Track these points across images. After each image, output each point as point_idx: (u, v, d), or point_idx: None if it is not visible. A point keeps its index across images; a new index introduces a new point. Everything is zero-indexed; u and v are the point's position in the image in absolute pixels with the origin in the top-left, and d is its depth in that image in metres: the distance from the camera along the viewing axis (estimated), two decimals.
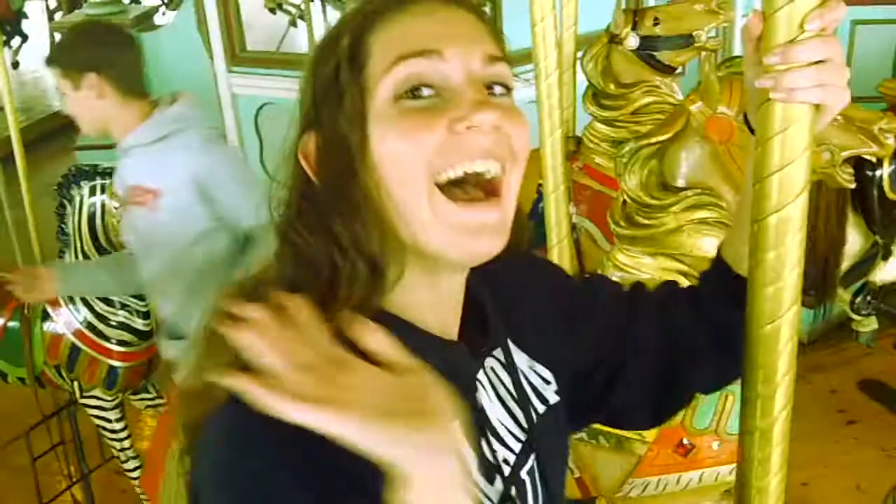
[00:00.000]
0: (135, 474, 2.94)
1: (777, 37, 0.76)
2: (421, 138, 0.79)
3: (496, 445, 0.89)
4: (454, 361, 0.87)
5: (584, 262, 2.54)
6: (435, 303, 0.87)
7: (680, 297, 1.09)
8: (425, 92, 0.80)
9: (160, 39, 6.44)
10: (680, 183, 1.89)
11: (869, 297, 2.27)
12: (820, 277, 2.18)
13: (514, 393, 0.94)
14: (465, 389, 0.86)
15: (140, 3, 8.31)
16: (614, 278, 1.90)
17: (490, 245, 0.81)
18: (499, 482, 0.88)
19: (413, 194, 0.80)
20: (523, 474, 0.92)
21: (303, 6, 7.31)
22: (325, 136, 0.83)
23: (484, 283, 0.95)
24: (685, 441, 1.92)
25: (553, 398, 0.99)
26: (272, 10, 7.77)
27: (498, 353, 0.94)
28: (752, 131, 0.93)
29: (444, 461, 0.65)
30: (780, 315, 0.80)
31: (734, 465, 1.90)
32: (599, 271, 2.08)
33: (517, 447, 0.92)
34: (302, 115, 0.86)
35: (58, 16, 9.16)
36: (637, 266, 1.88)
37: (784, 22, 0.76)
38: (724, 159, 1.90)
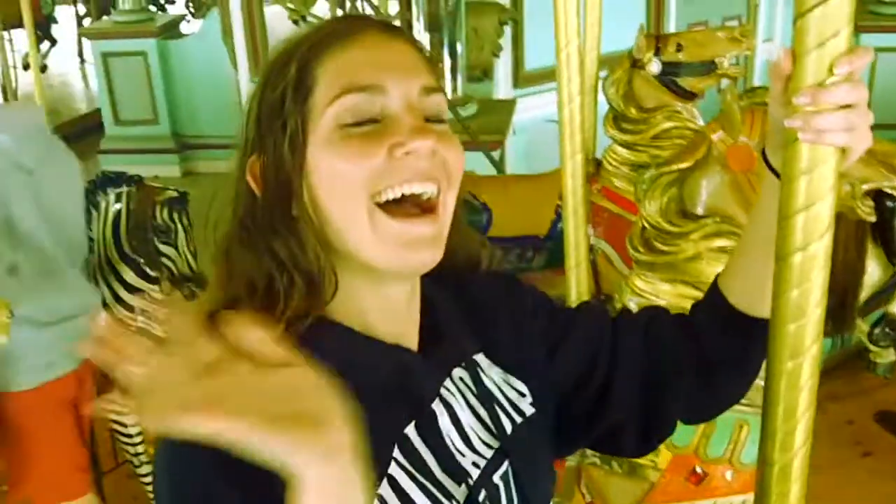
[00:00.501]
0: (148, 479, 2.96)
1: (806, 78, 0.78)
2: (362, 162, 0.85)
3: (464, 450, 0.93)
4: (404, 367, 0.92)
5: (601, 283, 2.55)
6: (383, 311, 0.92)
7: (666, 320, 1.12)
8: (365, 117, 0.86)
9: (186, 48, 6.53)
10: (699, 211, 1.90)
11: (887, 329, 2.26)
12: (838, 307, 2.18)
13: (483, 402, 0.97)
14: (417, 394, 0.92)
15: (166, 11, 8.37)
16: (631, 304, 1.91)
17: (426, 257, 0.87)
18: (465, 486, 0.91)
19: (353, 213, 0.85)
20: (496, 479, 0.95)
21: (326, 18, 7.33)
22: (269, 160, 0.88)
23: (455, 299, 1.01)
24: (698, 469, 1.92)
25: (529, 410, 1.02)
26: (295, 22, 7.85)
27: (465, 364, 0.98)
28: (769, 166, 0.94)
29: (336, 463, 0.63)
30: (803, 352, 0.81)
31: (747, 495, 1.90)
32: (616, 295, 2.09)
33: (488, 453, 0.95)
34: (247, 136, 0.91)
35: (86, 21, 9.25)
36: (655, 292, 1.89)
37: (814, 64, 0.77)
38: (744, 188, 1.91)
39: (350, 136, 0.85)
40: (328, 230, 0.87)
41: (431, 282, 0.96)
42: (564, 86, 1.83)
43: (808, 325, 0.81)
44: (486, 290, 1.06)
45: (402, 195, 0.86)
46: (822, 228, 0.79)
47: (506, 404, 1.00)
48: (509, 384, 1.02)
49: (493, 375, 1.01)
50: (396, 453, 0.87)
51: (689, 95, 2.74)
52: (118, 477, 3.11)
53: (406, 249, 0.86)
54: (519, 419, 1.00)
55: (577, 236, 1.89)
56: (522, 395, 1.02)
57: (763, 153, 0.97)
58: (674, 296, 1.86)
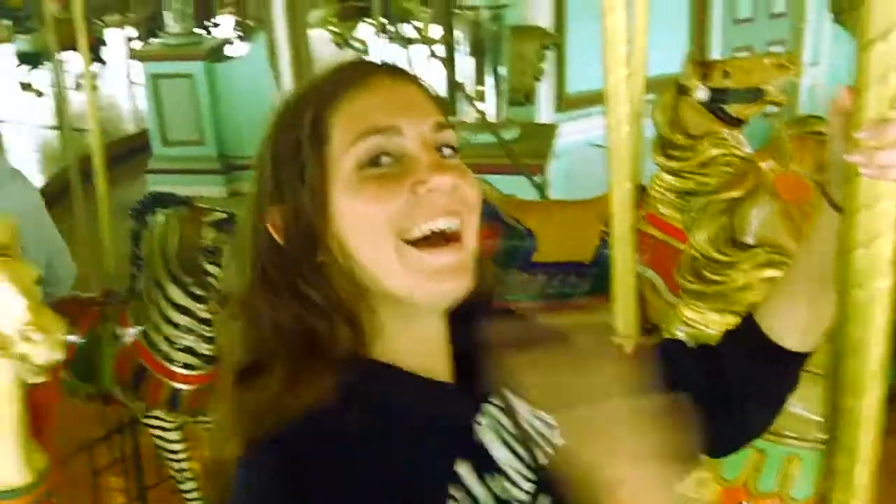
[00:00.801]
0: (191, 495, 2.98)
1: (868, 112, 0.78)
2: (386, 203, 0.86)
3: (506, 485, 0.93)
4: (445, 402, 0.93)
5: (646, 311, 2.53)
6: (417, 348, 0.93)
7: (687, 350, 1.12)
8: (384, 160, 0.88)
9: (232, 70, 6.65)
10: (750, 240, 1.89)
11: None
12: (892, 338, 2.14)
13: (517, 436, 0.98)
14: (460, 428, 0.93)
15: (211, 34, 8.53)
16: (680, 334, 1.90)
17: (457, 286, 0.89)
18: None
19: (382, 252, 0.87)
20: None
21: (368, 41, 7.45)
22: (290, 209, 0.90)
23: (476, 336, 0.99)
24: None
25: (559, 441, 1.02)
26: (339, 45, 7.98)
27: (496, 399, 0.98)
28: (828, 200, 0.94)
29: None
30: (864, 390, 0.80)
31: None
32: (663, 324, 2.08)
33: (529, 487, 0.95)
34: (262, 186, 0.93)
35: (135, 44, 9.47)
36: (704, 322, 1.87)
37: (875, 98, 0.77)
38: (795, 218, 1.89)
39: (371, 179, 0.87)
40: (358, 271, 0.89)
41: (449, 316, 0.97)
42: (613, 113, 1.82)
43: (868, 363, 0.80)
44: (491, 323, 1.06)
45: (430, 232, 0.87)
46: (882, 265, 0.78)
47: (537, 437, 1.00)
48: (536, 416, 1.02)
49: (521, 411, 1.01)
50: (452, 491, 0.88)
51: (735, 122, 2.73)
52: (162, 492, 3.14)
53: (436, 279, 0.88)
54: (551, 451, 1.00)
55: (624, 264, 1.88)
56: (551, 426, 1.02)
57: (821, 186, 0.96)
58: (723, 326, 1.84)
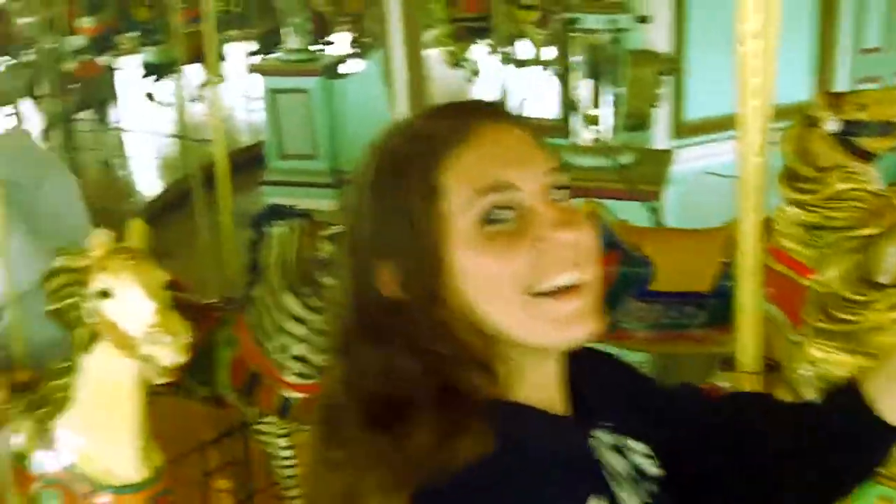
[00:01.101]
0: (296, 501, 3.03)
1: None
2: (511, 261, 0.86)
3: None
4: (572, 437, 0.94)
5: (767, 348, 2.46)
6: (543, 385, 0.94)
7: (779, 406, 1.11)
8: (504, 215, 0.87)
9: (349, 86, 6.80)
10: (884, 280, 1.81)
11: None
12: None
13: (627, 472, 0.97)
14: (588, 464, 0.93)
15: (324, 51, 8.76)
16: (805, 373, 1.84)
17: (584, 330, 0.89)
18: None
19: (508, 306, 0.87)
20: None
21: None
22: (403, 266, 0.89)
23: (577, 367, 1.00)
24: None
25: (656, 471, 1.01)
26: (451, 66, 8.07)
27: (602, 432, 0.98)
28: None
29: None
30: None
31: None
32: (784, 362, 2.01)
33: None
34: (362, 240, 0.92)
35: (251, 59, 9.80)
36: (833, 363, 1.80)
37: None
38: None
39: (491, 235, 0.87)
40: (482, 324, 0.89)
41: None
42: (749, 140, 1.77)
43: None
44: (589, 360, 1.04)
45: (557, 287, 0.87)
46: None
47: (639, 470, 1.00)
48: (634, 449, 1.01)
49: (623, 441, 1.01)
50: None
51: (866, 156, 2.63)
52: (267, 497, 3.21)
53: (565, 328, 0.88)
54: (655, 482, 1.00)
55: (752, 297, 1.82)
56: (649, 457, 1.02)
57: None
58: (853, 367, 1.77)
